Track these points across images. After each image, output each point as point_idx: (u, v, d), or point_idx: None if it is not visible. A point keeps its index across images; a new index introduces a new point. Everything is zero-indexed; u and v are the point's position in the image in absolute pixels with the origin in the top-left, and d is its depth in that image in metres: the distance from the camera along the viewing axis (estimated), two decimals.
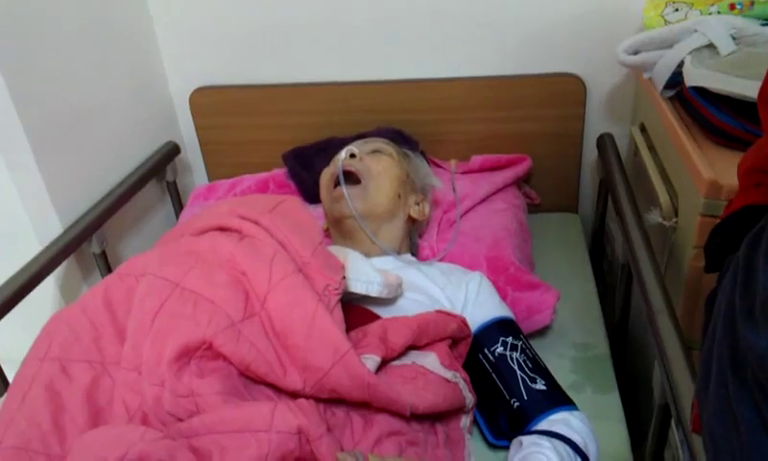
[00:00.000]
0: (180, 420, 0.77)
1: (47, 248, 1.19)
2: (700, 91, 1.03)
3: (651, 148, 1.26)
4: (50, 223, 1.23)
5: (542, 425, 0.90)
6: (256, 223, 0.95)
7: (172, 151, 1.60)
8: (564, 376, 1.07)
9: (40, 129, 1.19)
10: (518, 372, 0.96)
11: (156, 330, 0.81)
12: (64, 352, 0.84)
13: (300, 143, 1.53)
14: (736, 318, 0.53)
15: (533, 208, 1.51)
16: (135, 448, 0.67)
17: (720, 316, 0.58)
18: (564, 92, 1.45)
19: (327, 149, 1.40)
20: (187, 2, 1.51)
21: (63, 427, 0.79)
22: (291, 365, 0.81)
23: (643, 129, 1.34)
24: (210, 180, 1.69)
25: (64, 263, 1.24)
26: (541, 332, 1.17)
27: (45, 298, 1.25)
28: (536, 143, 1.51)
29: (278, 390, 0.82)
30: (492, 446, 0.97)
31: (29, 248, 1.19)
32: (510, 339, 1.00)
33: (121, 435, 0.71)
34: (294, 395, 0.82)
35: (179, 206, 1.64)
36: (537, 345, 1.07)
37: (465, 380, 0.94)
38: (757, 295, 0.50)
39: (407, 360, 0.91)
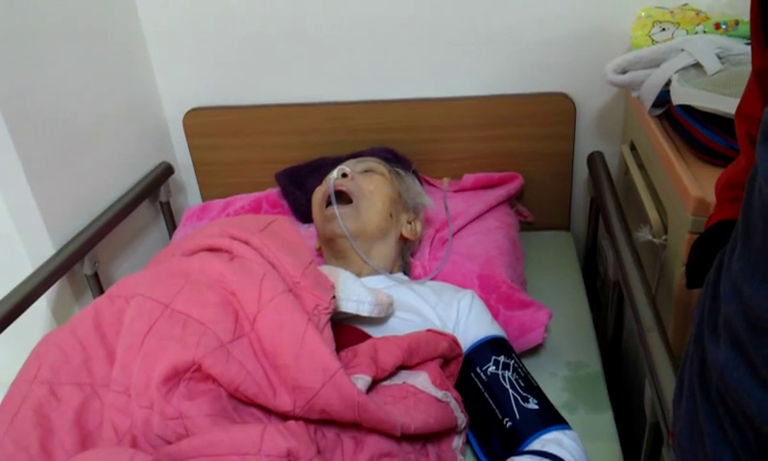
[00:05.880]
0: (169, 442, 0.76)
1: (39, 269, 1.19)
2: (687, 110, 1.04)
3: (641, 166, 1.27)
4: (42, 244, 1.23)
5: (535, 445, 0.90)
6: (247, 243, 0.95)
7: (165, 171, 1.60)
8: (556, 395, 1.07)
9: (33, 149, 1.19)
10: (511, 391, 0.95)
11: (144, 352, 0.81)
12: (54, 375, 0.84)
13: (294, 163, 1.53)
14: (704, 333, 0.54)
15: (525, 227, 1.52)
16: None
17: (693, 332, 0.58)
18: (554, 111, 1.46)
19: (320, 168, 1.41)
20: (181, 24, 1.53)
21: (51, 451, 0.77)
22: (281, 386, 0.81)
23: (633, 147, 1.35)
24: (204, 200, 1.69)
25: (56, 284, 1.23)
26: (534, 351, 1.16)
27: (37, 319, 1.24)
28: (527, 161, 1.52)
29: (268, 411, 0.82)
30: None
31: (21, 269, 1.19)
32: (502, 358, 0.99)
33: (110, 457, 0.70)
34: (284, 416, 0.81)
35: (172, 226, 1.64)
36: (529, 364, 1.06)
37: (456, 400, 0.94)
38: (720, 310, 0.51)
39: (398, 380, 0.90)
